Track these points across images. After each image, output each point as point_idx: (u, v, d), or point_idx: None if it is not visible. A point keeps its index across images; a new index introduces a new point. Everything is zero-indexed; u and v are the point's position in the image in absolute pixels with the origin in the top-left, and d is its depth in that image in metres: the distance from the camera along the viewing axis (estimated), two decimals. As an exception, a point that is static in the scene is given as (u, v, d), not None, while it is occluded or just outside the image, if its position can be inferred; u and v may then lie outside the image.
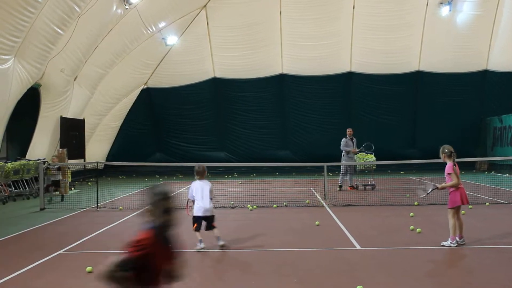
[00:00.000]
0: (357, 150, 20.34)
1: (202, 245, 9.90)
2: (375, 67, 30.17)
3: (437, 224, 12.33)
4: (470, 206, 14.80)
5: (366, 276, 8.04)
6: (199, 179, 10.19)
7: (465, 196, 10.01)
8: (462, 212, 13.59)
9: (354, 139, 20.53)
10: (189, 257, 9.44)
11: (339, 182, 20.41)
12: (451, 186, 9.94)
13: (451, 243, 9.82)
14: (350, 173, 20.48)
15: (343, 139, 20.49)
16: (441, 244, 9.90)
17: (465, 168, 28.33)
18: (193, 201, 10.13)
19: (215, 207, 15.18)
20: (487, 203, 15.61)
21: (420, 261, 8.83)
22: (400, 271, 8.25)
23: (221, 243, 9.98)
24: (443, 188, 10.07)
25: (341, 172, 20.50)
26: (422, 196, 10.51)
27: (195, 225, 10.01)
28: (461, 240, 9.93)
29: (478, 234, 10.86)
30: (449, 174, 9.96)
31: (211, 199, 10.04)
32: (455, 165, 10.05)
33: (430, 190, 10.23)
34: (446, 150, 10.16)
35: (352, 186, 20.38)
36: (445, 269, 8.51)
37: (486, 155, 29.58)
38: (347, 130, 20.63)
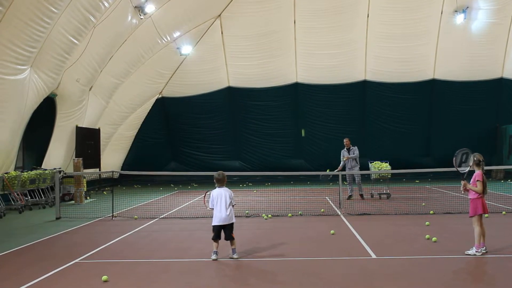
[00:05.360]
0: (344, 159, 20.10)
1: (214, 256, 9.82)
2: (390, 76, 30.10)
3: (453, 233, 12.25)
4: (486, 215, 14.62)
5: (383, 285, 7.98)
6: (219, 186, 10.20)
7: (486, 206, 9.94)
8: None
9: (354, 148, 20.17)
10: (206, 265, 9.47)
11: (349, 192, 20.22)
12: (474, 191, 9.88)
13: (476, 251, 9.72)
14: (357, 182, 20.30)
15: (341, 151, 20.40)
16: (465, 253, 9.80)
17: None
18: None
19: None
20: (503, 212, 15.49)
21: (436, 270, 8.77)
22: (417, 280, 8.18)
23: (235, 256, 9.88)
24: (465, 186, 9.99)
25: (347, 182, 20.34)
26: (458, 168, 10.39)
27: (214, 233, 10.00)
28: (483, 248, 9.86)
29: (495, 243, 10.75)
30: (477, 181, 9.88)
31: (228, 207, 9.96)
32: (484, 174, 9.98)
33: (465, 171, 10.21)
34: (475, 159, 10.07)
35: (361, 195, 20.21)
36: (462, 278, 8.43)
37: (502, 163, 29.37)
38: (344, 140, 20.48)
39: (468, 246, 10.09)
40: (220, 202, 10.01)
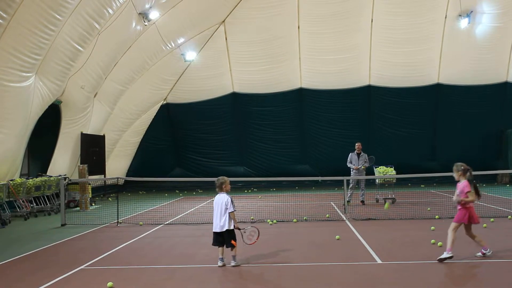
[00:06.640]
0: (359, 166, 19.99)
1: (220, 263, 9.79)
2: (394, 80, 30.07)
3: (458, 237, 12.16)
4: (492, 219, 14.70)
5: (388, 290, 7.99)
6: (218, 192, 10.14)
7: (474, 216, 9.81)
8: (484, 225, 13.53)
9: (364, 155, 20.13)
10: (211, 272, 9.46)
11: (347, 198, 19.99)
12: (471, 202, 9.84)
13: (447, 253, 9.59)
14: (361, 188, 20.26)
15: (350, 154, 20.34)
16: (437, 258, 9.68)
17: (487, 181, 28.18)
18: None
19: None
20: (509, 216, 15.44)
21: (441, 275, 8.75)
22: (422, 285, 8.16)
23: (232, 263, 9.81)
24: (463, 201, 9.93)
25: (349, 186, 20.17)
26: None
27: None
28: (488, 251, 9.84)
29: (501, 247, 10.74)
30: (467, 192, 9.80)
31: (224, 214, 9.85)
32: (471, 183, 9.88)
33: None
34: (463, 168, 9.95)
35: (362, 201, 20.17)
36: (468, 283, 8.41)
37: (507, 167, 29.30)
38: (356, 144, 20.37)
39: (474, 251, 10.10)
40: (216, 209, 9.99)
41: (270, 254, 10.82)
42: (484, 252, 9.89)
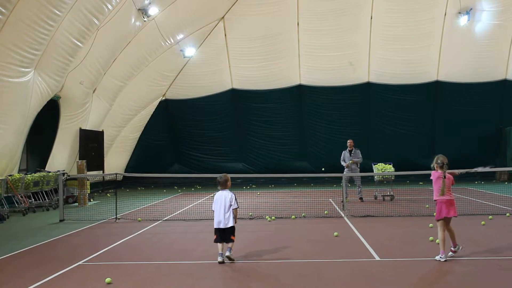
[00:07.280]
0: (347, 163, 19.90)
1: (220, 259, 9.77)
2: (393, 78, 30.00)
3: (456, 234, 12.20)
4: (490, 217, 14.70)
5: (386, 287, 7.97)
6: (221, 189, 10.14)
7: (447, 209, 9.79)
8: (482, 222, 13.56)
9: (357, 151, 20.10)
10: (210, 268, 9.46)
11: (345, 195, 19.97)
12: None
13: (440, 257, 9.58)
14: (358, 185, 20.24)
15: (342, 152, 20.28)
16: (435, 259, 9.70)
17: (485, 178, 28.18)
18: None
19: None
20: (507, 214, 15.44)
21: (440, 272, 8.75)
22: (421, 282, 8.17)
23: (227, 254, 9.79)
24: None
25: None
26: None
27: (215, 236, 9.99)
28: (456, 247, 9.80)
29: (500, 245, 10.75)
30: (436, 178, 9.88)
31: (228, 211, 9.88)
32: (445, 177, 9.81)
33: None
34: (439, 161, 9.95)
35: (360, 198, 20.15)
36: (467, 280, 8.41)
37: (506, 165, 29.28)
38: (348, 141, 20.36)
39: (471, 248, 10.11)
40: (219, 205, 9.97)
41: (269, 251, 10.82)
42: (453, 249, 9.83)
